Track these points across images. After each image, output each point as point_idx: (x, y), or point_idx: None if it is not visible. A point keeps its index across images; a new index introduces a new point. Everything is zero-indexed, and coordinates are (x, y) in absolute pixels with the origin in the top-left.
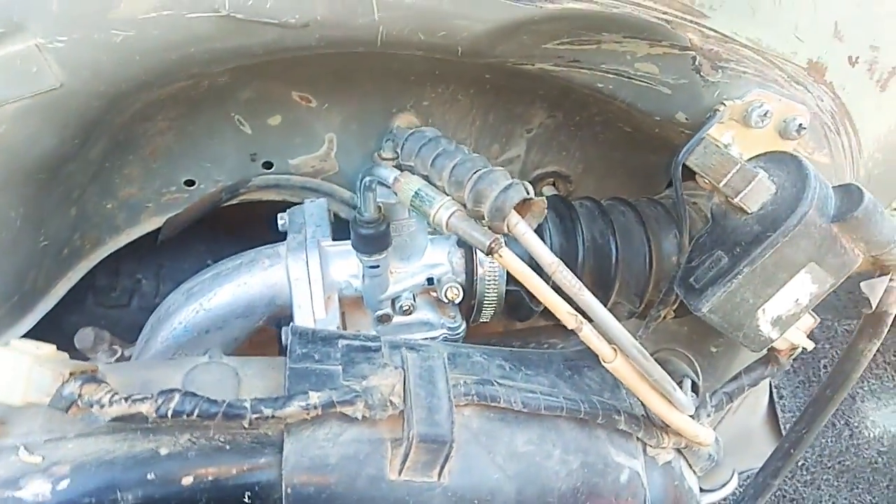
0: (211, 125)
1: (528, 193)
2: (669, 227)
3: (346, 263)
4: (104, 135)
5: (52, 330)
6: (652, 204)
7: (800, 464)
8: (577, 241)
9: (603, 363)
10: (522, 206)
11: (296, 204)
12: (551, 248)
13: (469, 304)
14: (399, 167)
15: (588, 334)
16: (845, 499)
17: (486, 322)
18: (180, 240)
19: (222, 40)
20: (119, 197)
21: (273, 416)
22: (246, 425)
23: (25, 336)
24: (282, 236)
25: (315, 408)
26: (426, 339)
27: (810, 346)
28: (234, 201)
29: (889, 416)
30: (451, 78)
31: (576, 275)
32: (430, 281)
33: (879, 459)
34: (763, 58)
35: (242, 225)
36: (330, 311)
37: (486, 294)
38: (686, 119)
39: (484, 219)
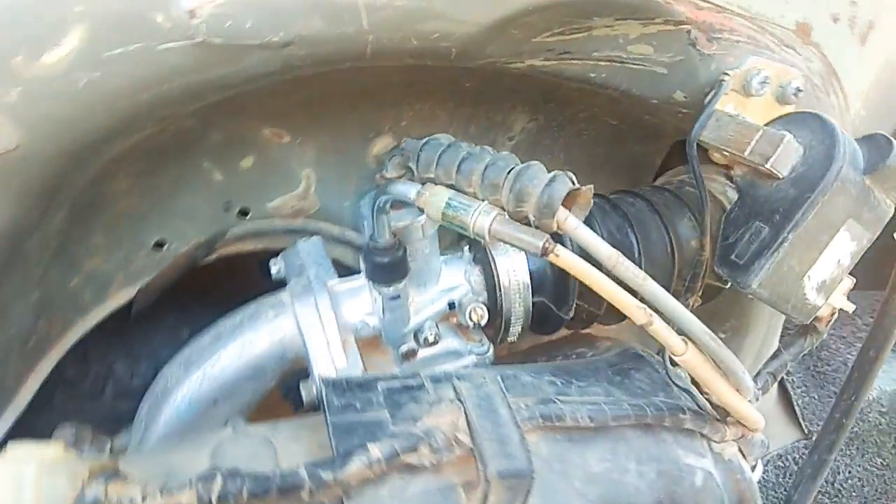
0: (178, 177)
1: (573, 184)
2: (681, 211)
3: (358, 301)
4: (66, 201)
5: (20, 436)
6: (657, 191)
7: (814, 438)
8: None
9: (672, 357)
10: (567, 199)
11: (279, 251)
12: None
13: (494, 324)
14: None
15: (658, 327)
16: (859, 465)
17: (513, 341)
18: (149, 313)
19: (199, 71)
20: (84, 271)
21: (335, 481)
22: (306, 497)
23: None
24: (267, 287)
25: (379, 462)
26: (459, 368)
27: (851, 308)
28: (212, 257)
29: (881, 377)
30: (429, 93)
31: None
32: (451, 306)
33: (882, 420)
34: (754, 24)
35: (213, 286)
36: (350, 357)
37: (513, 309)
38: (685, 97)
39: (529, 219)
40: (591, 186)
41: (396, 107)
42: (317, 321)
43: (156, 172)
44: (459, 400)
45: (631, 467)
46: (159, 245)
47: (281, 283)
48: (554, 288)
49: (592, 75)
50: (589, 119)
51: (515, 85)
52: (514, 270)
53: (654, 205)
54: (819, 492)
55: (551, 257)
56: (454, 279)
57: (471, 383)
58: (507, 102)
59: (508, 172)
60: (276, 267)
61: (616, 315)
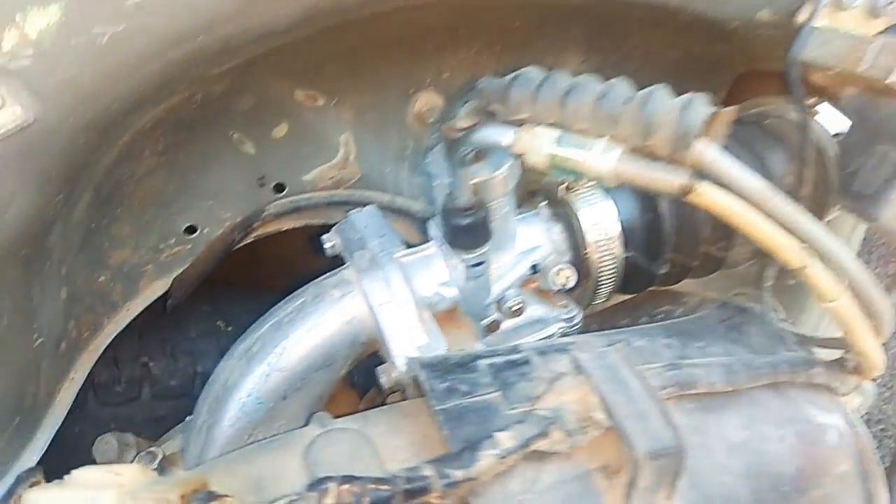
0: (207, 152)
1: (713, 106)
2: (770, 144)
3: (431, 272)
4: (89, 185)
5: (53, 450)
6: (739, 125)
7: (877, 382)
8: None
9: (821, 302)
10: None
11: (320, 227)
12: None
13: (580, 286)
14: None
15: (814, 271)
16: None
17: (601, 302)
18: (179, 306)
19: (238, 19)
20: (111, 265)
21: (467, 478)
22: (435, 501)
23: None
24: (308, 267)
25: (510, 453)
26: (542, 339)
27: None
28: (249, 239)
29: None
30: (475, 37)
31: (696, 223)
32: (533, 269)
33: None
34: None
35: (244, 271)
36: (430, 334)
37: (603, 267)
38: (772, 16)
39: (659, 153)
40: (736, 108)
41: (438, 56)
42: (389, 297)
43: (183, 147)
44: (583, 373)
45: (770, 433)
46: (191, 230)
47: (334, 261)
48: (646, 240)
49: None
50: (647, 54)
51: (568, 22)
52: (602, 223)
53: (740, 140)
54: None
55: (693, 196)
56: (534, 239)
57: (589, 353)
58: (558, 42)
59: (631, 100)
60: (330, 243)
61: (711, 266)
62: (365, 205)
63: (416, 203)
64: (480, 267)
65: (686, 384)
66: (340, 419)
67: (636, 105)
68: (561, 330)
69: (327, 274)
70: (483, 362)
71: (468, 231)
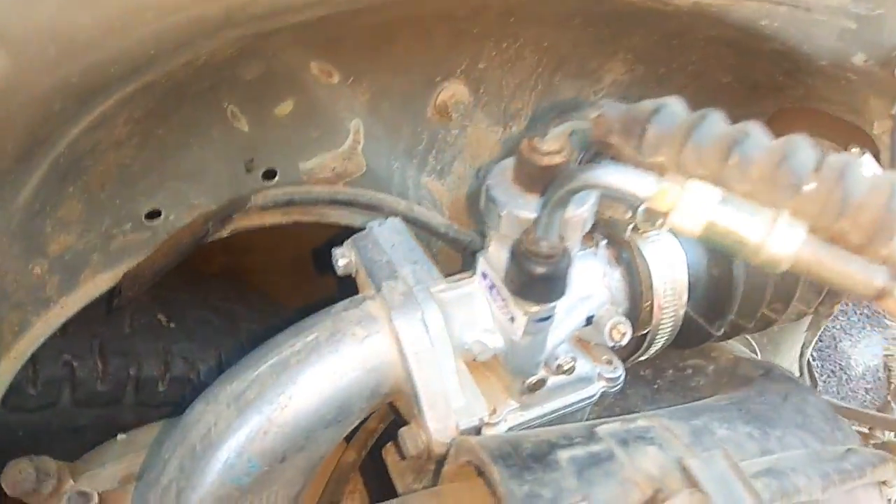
0: (191, 124)
1: None
2: None
3: (472, 314)
4: (44, 161)
5: None
6: None
7: None
8: None
9: None
10: None
11: (315, 226)
12: None
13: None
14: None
15: None
16: None
17: (646, 359)
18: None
19: None
20: (49, 253)
21: None
22: None
23: None
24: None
25: None
26: (582, 401)
27: None
28: (225, 232)
29: (863, 352)
30: (527, 27)
31: (764, 287)
32: (588, 320)
33: (867, 397)
34: None
35: (201, 261)
36: (468, 393)
37: (662, 321)
38: (865, 61)
39: (846, 240)
40: None
41: (480, 42)
42: (428, 344)
43: (165, 116)
44: (699, 491)
45: None
46: (153, 215)
47: (342, 279)
48: (709, 298)
49: (763, 23)
50: (698, 73)
51: (630, 27)
52: (671, 273)
53: None
54: None
55: (885, 300)
56: (591, 284)
57: (699, 459)
58: (611, 47)
59: (823, 167)
60: (344, 259)
61: (761, 326)
62: (374, 208)
63: (435, 216)
64: (545, 322)
65: (790, 494)
66: None
67: (833, 175)
68: (603, 390)
69: (343, 303)
70: (563, 455)
71: (546, 281)
